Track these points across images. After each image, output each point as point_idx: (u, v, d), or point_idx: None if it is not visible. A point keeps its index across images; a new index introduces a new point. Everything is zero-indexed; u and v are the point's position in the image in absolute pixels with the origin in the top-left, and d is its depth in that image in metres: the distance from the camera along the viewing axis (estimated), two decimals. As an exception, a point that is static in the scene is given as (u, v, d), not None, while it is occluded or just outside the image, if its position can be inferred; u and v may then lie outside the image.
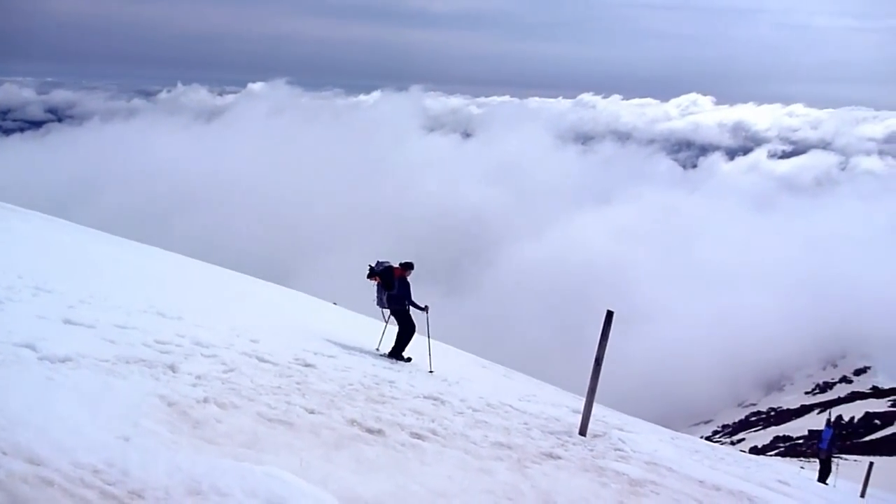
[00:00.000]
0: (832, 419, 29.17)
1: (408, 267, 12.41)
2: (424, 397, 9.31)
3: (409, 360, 12.21)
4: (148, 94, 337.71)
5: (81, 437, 4.56)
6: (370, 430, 6.85)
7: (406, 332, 12.29)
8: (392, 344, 12.38)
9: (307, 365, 8.99)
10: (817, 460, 23.19)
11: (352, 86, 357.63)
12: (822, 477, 20.98)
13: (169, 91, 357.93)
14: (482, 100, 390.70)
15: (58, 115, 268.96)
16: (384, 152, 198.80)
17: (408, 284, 12.36)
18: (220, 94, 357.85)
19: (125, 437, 4.80)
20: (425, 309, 12.37)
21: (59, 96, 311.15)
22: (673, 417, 68.06)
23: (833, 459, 21.36)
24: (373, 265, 12.34)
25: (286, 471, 4.84)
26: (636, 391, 75.71)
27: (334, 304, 22.24)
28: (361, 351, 11.87)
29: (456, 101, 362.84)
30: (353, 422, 6.95)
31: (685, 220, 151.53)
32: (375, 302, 12.51)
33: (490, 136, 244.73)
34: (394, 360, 11.94)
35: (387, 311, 12.48)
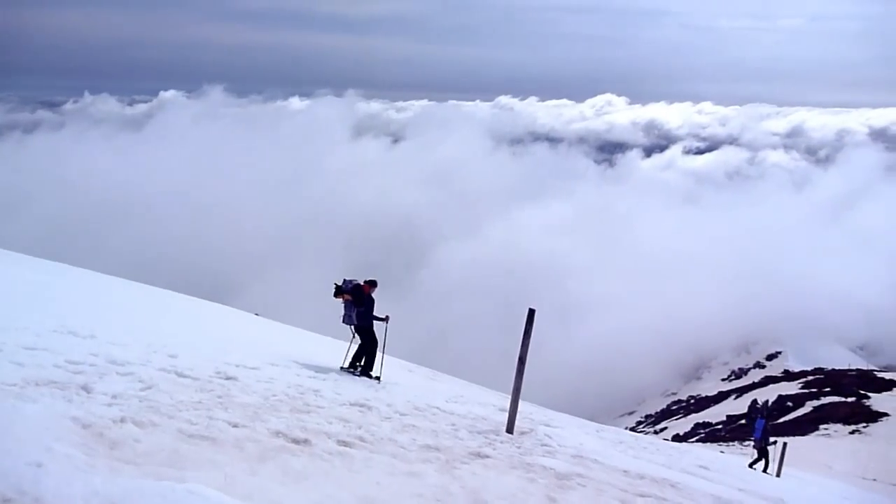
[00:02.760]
0: (762, 408, 30.42)
1: (373, 284, 12.54)
2: (351, 404, 9.25)
3: (377, 378, 12.29)
4: (53, 105, 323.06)
5: (-11, 466, 4.36)
6: (296, 441, 6.76)
7: (372, 348, 12.44)
8: (349, 359, 12.53)
9: (229, 378, 8.81)
10: (739, 445, 23.98)
11: (269, 92, 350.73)
12: (763, 467, 21.54)
13: (76, 101, 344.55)
14: (401, 104, 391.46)
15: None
16: (313, 159, 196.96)
17: (373, 301, 12.48)
18: (130, 104, 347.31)
19: (37, 463, 4.60)
20: (386, 319, 12.49)
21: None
22: (599, 410, 69.59)
23: (769, 447, 22.04)
24: (339, 284, 12.40)
25: (210, 487, 4.74)
26: (567, 385, 77.18)
27: (256, 315, 21.87)
28: (285, 361, 11.70)
29: (376, 106, 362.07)
30: (278, 433, 6.85)
31: (611, 216, 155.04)
32: (342, 320, 12.55)
33: (419, 139, 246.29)
34: (364, 377, 12.13)
35: (353, 328, 12.55)
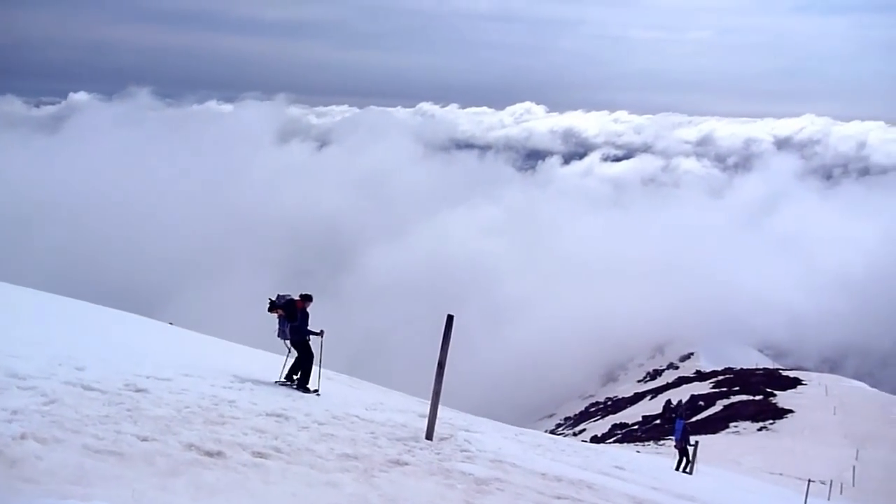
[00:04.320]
0: (680, 410, 31.51)
1: (307, 299, 12.60)
2: (267, 415, 9.08)
3: (316, 391, 12.27)
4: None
5: None
6: (209, 453, 6.60)
7: (307, 362, 12.45)
8: (285, 372, 12.53)
9: (139, 390, 8.52)
10: (655, 445, 24.62)
11: (187, 96, 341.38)
12: (684, 466, 22.14)
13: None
14: (321, 109, 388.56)
15: None
16: (238, 164, 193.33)
17: (307, 315, 12.55)
18: (37, 106, 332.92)
19: (-74, 486, 4.37)
20: (321, 333, 12.58)
21: None
22: (521, 413, 70.55)
23: (689, 447, 22.64)
24: (273, 299, 12.42)
25: (116, 504, 4.59)
26: (490, 390, 78.04)
27: (170, 324, 21.27)
28: (200, 372, 11.40)
29: (296, 111, 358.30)
30: (190, 446, 6.67)
31: (534, 221, 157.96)
32: (277, 334, 12.58)
33: (344, 145, 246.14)
34: (301, 391, 12.09)
35: (289, 342, 12.58)
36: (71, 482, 5.12)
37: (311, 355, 12.52)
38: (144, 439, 6.49)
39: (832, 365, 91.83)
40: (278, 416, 9.18)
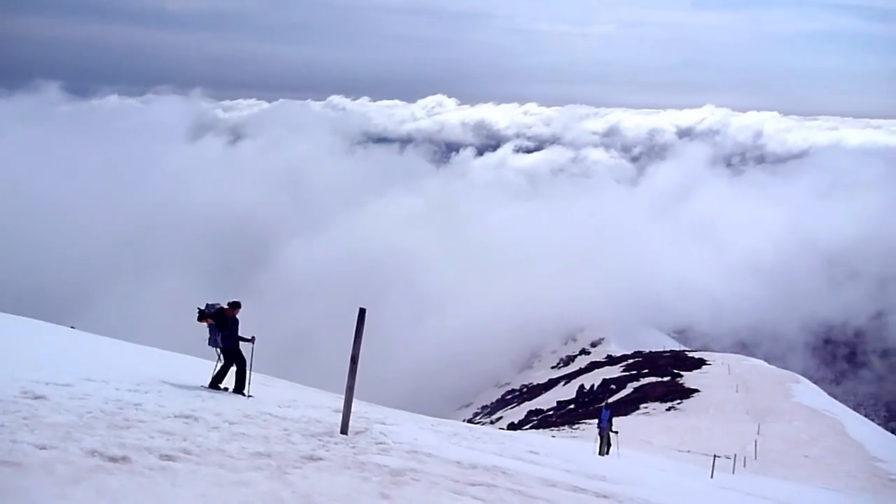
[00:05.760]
0: (607, 401, 32.98)
1: (236, 306, 12.70)
2: (175, 416, 8.85)
3: (250, 395, 12.34)
4: None
5: None
6: (113, 459, 6.38)
7: (241, 368, 12.54)
8: (212, 377, 12.56)
9: (37, 397, 8.16)
10: (570, 429, 25.47)
11: (81, 90, 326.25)
12: (606, 449, 23.33)
13: None
14: (228, 103, 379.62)
15: None
16: (149, 160, 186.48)
17: (237, 322, 12.66)
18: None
19: None
20: (252, 340, 12.71)
21: None
22: (439, 404, 70.98)
23: (612, 433, 23.75)
24: (202, 308, 12.46)
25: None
26: (409, 382, 78.16)
27: (72, 328, 20.42)
28: (104, 376, 10.99)
29: (204, 105, 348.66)
30: (93, 452, 6.44)
31: (450, 213, 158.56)
32: (208, 342, 12.58)
33: (257, 139, 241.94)
34: (238, 396, 12.22)
35: (220, 350, 12.62)
36: (-38, 496, 4.88)
37: (244, 361, 12.61)
38: (43, 447, 6.23)
39: (747, 349, 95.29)
40: (187, 417, 8.96)
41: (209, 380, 12.58)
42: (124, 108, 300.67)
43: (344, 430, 10.19)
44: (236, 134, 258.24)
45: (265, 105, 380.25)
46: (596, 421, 24.40)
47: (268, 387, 13.77)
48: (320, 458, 8.12)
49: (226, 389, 12.41)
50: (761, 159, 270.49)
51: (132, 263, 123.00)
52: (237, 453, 7.56)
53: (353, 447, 9.29)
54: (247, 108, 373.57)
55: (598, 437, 23.82)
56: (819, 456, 32.24)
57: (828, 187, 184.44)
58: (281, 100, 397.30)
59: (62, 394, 8.69)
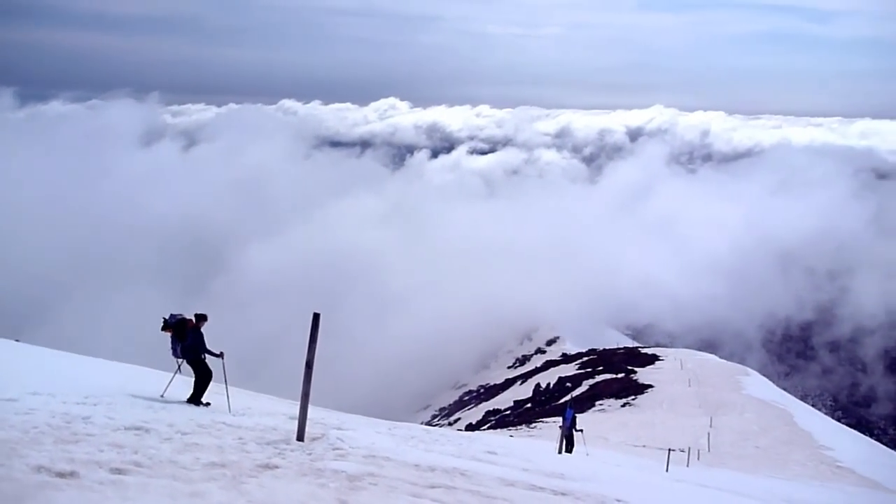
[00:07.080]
0: (571, 401, 33.19)
1: (201, 318, 12.85)
2: (126, 429, 8.67)
3: (207, 405, 12.45)
4: None
5: None
6: (61, 474, 6.22)
7: (203, 379, 12.64)
8: (191, 391, 12.69)
9: (-20, 413, 7.92)
10: (527, 428, 25.56)
11: (34, 96, 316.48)
12: (568, 449, 23.39)
13: None
14: (176, 108, 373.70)
15: None
16: (101, 166, 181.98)
17: (201, 335, 12.74)
18: None
19: None
20: (220, 355, 12.73)
21: None
22: (397, 408, 70.70)
23: (575, 433, 23.84)
24: (166, 318, 12.66)
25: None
26: (366, 386, 77.64)
27: (17, 341, 19.84)
28: (50, 389, 10.70)
29: (155, 110, 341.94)
30: (39, 468, 6.26)
31: (407, 216, 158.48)
32: (171, 353, 12.69)
33: (210, 144, 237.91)
34: (193, 405, 12.35)
35: (181, 361, 12.72)
36: None
37: (209, 373, 12.69)
38: (-14, 465, 6.05)
39: (711, 347, 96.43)
40: (138, 429, 8.78)
41: (166, 390, 12.64)
42: (76, 113, 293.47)
43: (300, 437, 10.09)
44: (190, 139, 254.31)
45: (215, 110, 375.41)
46: (559, 419, 24.50)
47: (221, 395, 13.57)
48: (276, 467, 8.03)
49: (207, 405, 12.48)
50: (708, 157, 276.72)
51: (88, 273, 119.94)
52: (191, 464, 7.43)
53: (310, 454, 9.20)
54: (196, 112, 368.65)
55: (560, 436, 23.99)
56: (769, 446, 33.05)
57: (779, 185, 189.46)
58: (231, 104, 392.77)
59: (6, 409, 8.45)
